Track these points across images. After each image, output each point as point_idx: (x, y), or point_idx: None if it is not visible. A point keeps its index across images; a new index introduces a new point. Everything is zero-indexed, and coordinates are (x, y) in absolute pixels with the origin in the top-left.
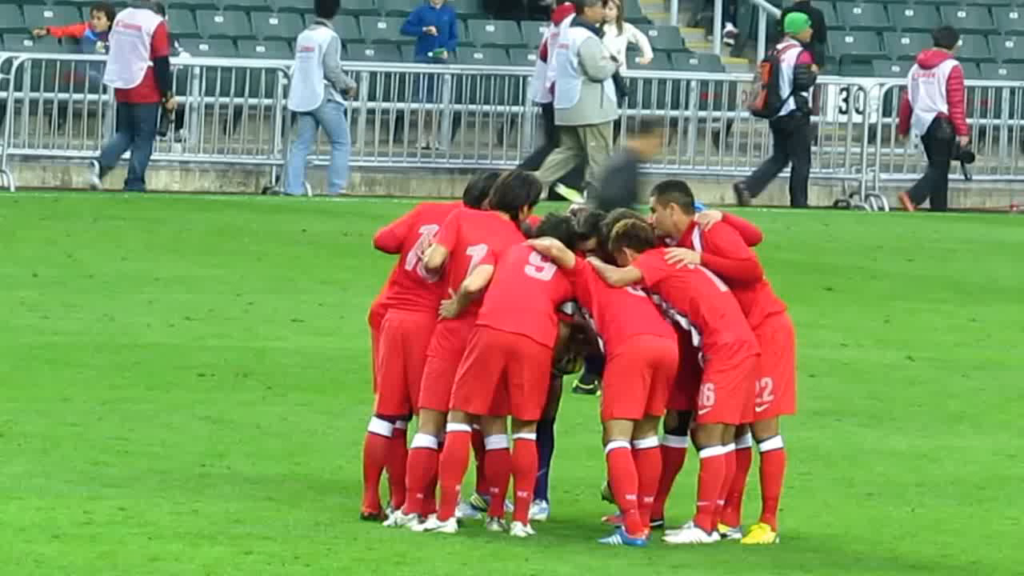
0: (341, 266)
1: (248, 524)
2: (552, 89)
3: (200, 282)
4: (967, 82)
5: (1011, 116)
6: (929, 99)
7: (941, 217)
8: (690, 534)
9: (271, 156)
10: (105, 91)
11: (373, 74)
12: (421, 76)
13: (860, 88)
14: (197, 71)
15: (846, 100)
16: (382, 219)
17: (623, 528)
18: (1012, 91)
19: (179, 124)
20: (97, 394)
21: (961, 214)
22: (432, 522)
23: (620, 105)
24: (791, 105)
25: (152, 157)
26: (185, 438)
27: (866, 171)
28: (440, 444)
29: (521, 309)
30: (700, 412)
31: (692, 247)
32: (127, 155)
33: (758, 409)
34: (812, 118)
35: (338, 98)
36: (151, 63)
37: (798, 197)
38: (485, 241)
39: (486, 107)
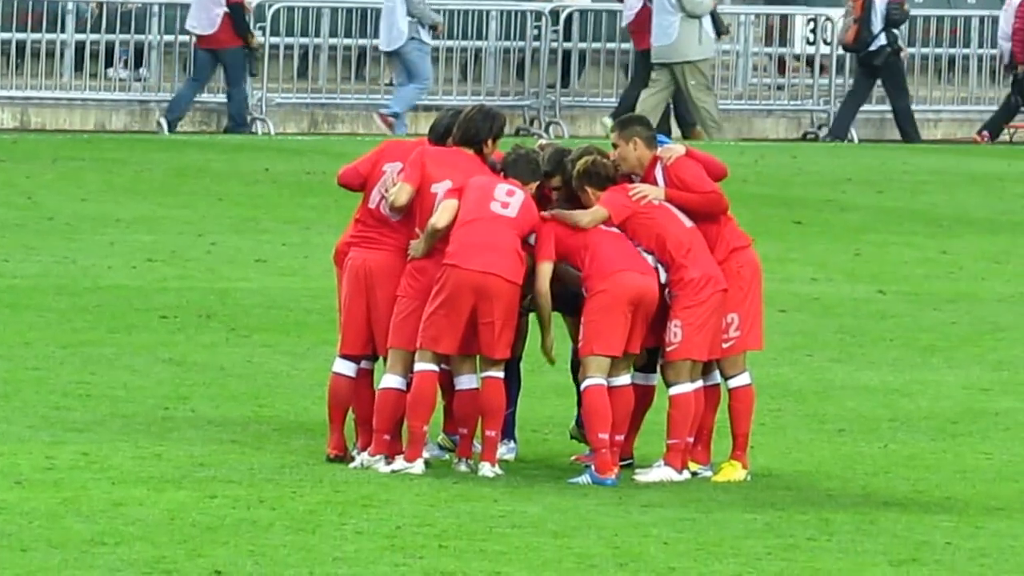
0: (304, 205)
1: (212, 468)
2: (631, 27)
3: (161, 223)
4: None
5: (980, 46)
6: (1007, 27)
7: (911, 148)
8: (660, 472)
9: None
10: (64, 30)
11: (335, 10)
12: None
13: (828, 19)
14: (156, 9)
15: (813, 31)
16: (345, 157)
17: (593, 467)
18: (981, 20)
19: (252, 67)
20: (58, 338)
21: (930, 145)
22: (399, 463)
23: (718, 41)
24: (881, 40)
25: (111, 97)
26: (148, 381)
27: (835, 102)
28: (408, 385)
29: (489, 247)
30: (668, 349)
31: (655, 182)
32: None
33: (725, 345)
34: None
35: (424, 36)
36: (227, 8)
37: (909, 132)
38: (449, 177)
39: (449, 43)
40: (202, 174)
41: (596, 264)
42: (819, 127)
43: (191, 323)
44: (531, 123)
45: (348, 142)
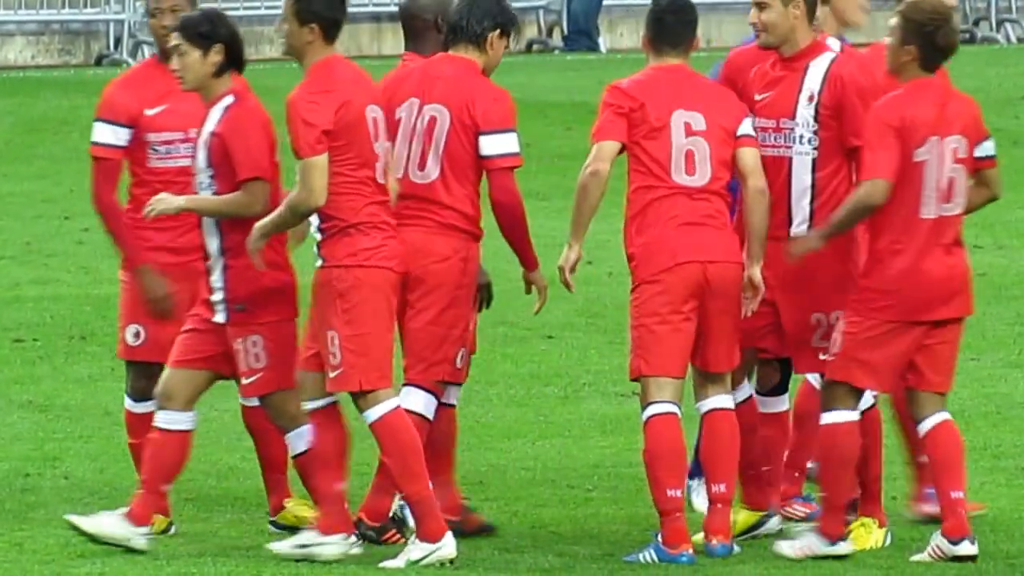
0: None
1: (98, 560)
2: None
3: (9, 202)
4: None
5: None
6: None
7: None
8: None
9: (105, 10)
10: None
11: None
12: None
13: None
14: None
15: None
16: (278, 92)
17: (658, 537)
18: None
19: None
20: None
21: None
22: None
23: None
24: None
25: None
26: None
27: None
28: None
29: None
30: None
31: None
32: None
33: (824, 357)
34: None
35: None
36: None
37: None
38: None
39: None
40: (68, 128)
41: (643, 233)
42: (975, 22)
43: (59, 349)
44: (549, 33)
45: (279, 71)
